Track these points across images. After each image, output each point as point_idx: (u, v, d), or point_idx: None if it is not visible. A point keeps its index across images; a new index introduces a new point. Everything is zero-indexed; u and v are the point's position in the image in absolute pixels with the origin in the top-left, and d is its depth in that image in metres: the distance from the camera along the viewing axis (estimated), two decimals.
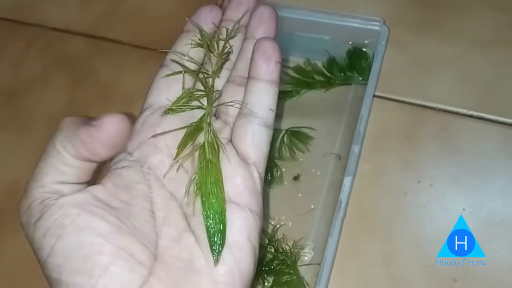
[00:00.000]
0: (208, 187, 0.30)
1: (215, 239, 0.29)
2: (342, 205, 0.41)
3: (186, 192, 0.31)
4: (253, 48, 0.34)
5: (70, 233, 0.27)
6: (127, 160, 0.31)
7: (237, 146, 0.32)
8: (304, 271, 0.43)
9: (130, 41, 0.60)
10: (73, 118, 0.30)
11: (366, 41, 0.50)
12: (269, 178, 0.47)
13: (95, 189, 0.29)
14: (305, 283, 0.43)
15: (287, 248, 0.44)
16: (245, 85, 0.34)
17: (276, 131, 0.48)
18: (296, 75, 0.51)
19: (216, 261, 0.28)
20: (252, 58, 0.34)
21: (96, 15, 0.64)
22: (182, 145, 0.31)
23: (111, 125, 0.29)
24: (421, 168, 0.46)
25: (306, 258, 0.44)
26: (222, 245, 0.29)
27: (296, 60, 0.52)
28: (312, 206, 0.46)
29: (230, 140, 0.33)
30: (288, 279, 0.43)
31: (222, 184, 0.30)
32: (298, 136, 0.48)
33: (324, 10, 0.49)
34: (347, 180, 0.42)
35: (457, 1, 0.53)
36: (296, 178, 0.48)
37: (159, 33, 0.60)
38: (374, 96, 0.48)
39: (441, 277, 0.41)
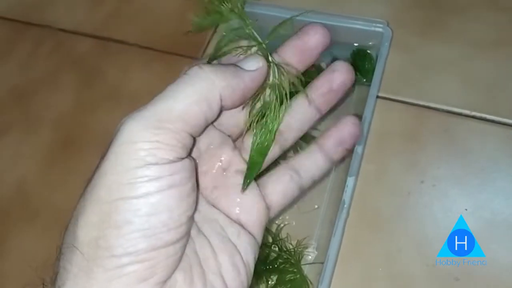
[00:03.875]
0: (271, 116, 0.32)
1: (251, 172, 0.32)
2: (345, 205, 0.42)
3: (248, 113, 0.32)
4: (337, 122, 0.34)
5: (175, 197, 0.26)
6: None
7: (266, 185, 0.34)
8: (308, 270, 0.44)
9: (137, 42, 0.61)
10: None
11: (369, 43, 0.50)
12: None
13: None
14: (308, 281, 0.43)
15: (291, 247, 0.44)
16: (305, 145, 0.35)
17: None
18: (300, 77, 0.52)
19: (244, 188, 0.32)
20: (328, 130, 0.35)
21: (103, 16, 0.64)
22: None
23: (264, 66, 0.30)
24: (424, 168, 0.46)
25: (310, 257, 0.45)
26: (252, 177, 0.32)
27: None
28: (316, 206, 0.46)
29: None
30: (292, 277, 0.43)
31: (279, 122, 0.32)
32: (301, 137, 0.49)
33: (328, 12, 0.49)
34: (350, 181, 0.43)
35: (459, 3, 0.53)
36: None
37: (166, 34, 0.60)
38: (377, 97, 0.48)
39: (443, 276, 0.41)
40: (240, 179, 0.32)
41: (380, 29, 0.48)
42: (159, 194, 0.25)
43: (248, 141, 0.33)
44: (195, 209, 0.28)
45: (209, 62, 0.32)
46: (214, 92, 0.27)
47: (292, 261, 0.43)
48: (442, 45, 0.51)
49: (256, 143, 0.32)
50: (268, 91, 0.32)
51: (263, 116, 0.32)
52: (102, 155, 0.26)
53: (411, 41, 0.52)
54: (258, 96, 0.31)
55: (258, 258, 0.44)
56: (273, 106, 0.32)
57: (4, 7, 0.69)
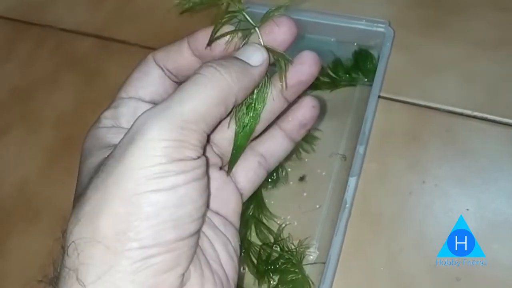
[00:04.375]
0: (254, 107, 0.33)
1: (237, 153, 0.34)
2: (347, 205, 0.42)
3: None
4: (297, 104, 0.36)
5: (198, 189, 0.27)
6: None
7: (236, 173, 0.35)
8: (309, 270, 0.44)
9: (137, 42, 0.61)
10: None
11: (371, 43, 0.50)
12: (275, 178, 0.48)
13: None
14: (310, 282, 0.43)
15: (293, 247, 0.44)
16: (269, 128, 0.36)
17: None
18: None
19: (230, 171, 0.34)
20: (290, 112, 0.36)
21: (104, 16, 0.64)
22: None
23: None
24: (425, 168, 0.46)
25: (311, 257, 0.44)
26: (237, 158, 0.34)
27: None
28: (318, 206, 0.46)
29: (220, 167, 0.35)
30: (293, 277, 0.43)
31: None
32: (303, 137, 0.49)
33: (330, 12, 0.49)
34: (352, 180, 0.43)
35: (461, 2, 0.53)
36: (302, 178, 0.48)
37: (167, 33, 0.60)
38: (379, 97, 0.48)
39: (445, 276, 0.41)
40: (213, 172, 0.34)
41: (382, 29, 0.48)
42: (185, 186, 0.26)
43: (225, 131, 0.34)
44: (209, 202, 0.30)
45: (209, 45, 0.32)
46: (231, 95, 0.28)
47: (294, 261, 0.43)
48: (444, 45, 0.51)
49: (241, 127, 0.33)
50: None
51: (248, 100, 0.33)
52: (120, 146, 0.27)
53: (413, 41, 0.52)
54: None
55: (260, 258, 0.44)
56: (259, 90, 0.32)
57: (5, 6, 0.69)
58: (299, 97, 0.36)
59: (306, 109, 0.36)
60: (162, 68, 0.34)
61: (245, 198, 0.36)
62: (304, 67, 0.34)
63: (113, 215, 0.25)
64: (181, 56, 0.33)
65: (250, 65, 0.30)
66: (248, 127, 0.33)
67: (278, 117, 0.36)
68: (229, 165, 0.34)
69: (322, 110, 0.37)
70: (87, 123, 0.58)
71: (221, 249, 0.31)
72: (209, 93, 0.27)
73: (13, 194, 0.55)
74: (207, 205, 0.29)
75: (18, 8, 0.68)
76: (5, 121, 0.60)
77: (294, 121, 0.36)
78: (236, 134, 0.33)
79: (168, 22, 0.62)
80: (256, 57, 0.30)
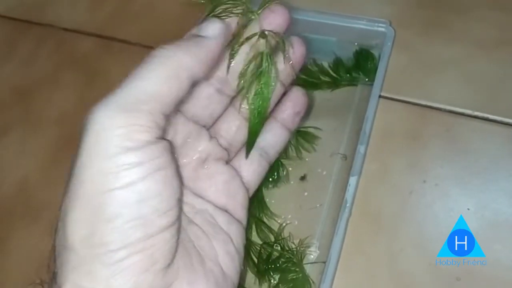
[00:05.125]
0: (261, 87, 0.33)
1: (252, 137, 0.34)
2: (348, 204, 0.42)
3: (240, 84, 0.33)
4: (287, 95, 0.37)
5: (160, 181, 0.25)
6: None
7: (240, 168, 0.36)
8: (310, 269, 0.44)
9: (139, 41, 0.61)
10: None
11: (372, 42, 0.50)
12: (276, 177, 0.48)
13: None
14: (310, 281, 0.43)
15: (293, 246, 0.44)
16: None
17: None
18: (302, 76, 0.52)
19: (247, 155, 0.35)
20: (282, 103, 0.37)
21: (105, 15, 0.64)
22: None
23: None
24: (426, 168, 0.46)
25: (312, 256, 0.44)
26: (254, 142, 0.35)
27: None
28: (318, 205, 0.46)
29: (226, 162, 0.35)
30: (294, 276, 0.43)
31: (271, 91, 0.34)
32: (304, 136, 0.49)
33: (331, 11, 0.49)
34: (352, 180, 0.43)
35: (462, 3, 0.53)
36: (302, 178, 0.48)
37: (168, 32, 0.60)
38: (380, 96, 0.48)
39: (445, 276, 0.41)
40: (220, 166, 0.34)
41: (382, 29, 0.48)
42: (144, 180, 0.24)
43: (229, 123, 0.35)
44: (182, 193, 0.28)
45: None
46: (183, 70, 0.27)
47: (294, 260, 0.43)
48: (445, 44, 0.51)
49: (254, 112, 0.33)
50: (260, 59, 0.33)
51: (258, 84, 0.33)
52: (77, 148, 0.25)
53: (414, 40, 0.52)
54: (248, 67, 0.33)
55: (260, 257, 0.44)
56: (266, 74, 0.33)
57: (5, 6, 0.69)
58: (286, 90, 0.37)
59: (297, 97, 0.38)
60: None
61: (250, 193, 0.36)
62: (294, 49, 0.35)
63: (76, 221, 0.24)
64: None
65: (205, 37, 0.29)
66: (260, 111, 0.33)
67: (272, 110, 0.37)
68: (247, 148, 0.35)
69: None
70: None
71: (220, 248, 0.31)
72: (158, 70, 0.26)
73: (14, 194, 0.55)
74: (180, 194, 0.27)
75: (18, 7, 0.68)
76: (5, 121, 0.60)
77: (288, 110, 0.38)
78: (250, 119, 0.34)
79: (169, 21, 0.62)
80: (211, 29, 0.29)
